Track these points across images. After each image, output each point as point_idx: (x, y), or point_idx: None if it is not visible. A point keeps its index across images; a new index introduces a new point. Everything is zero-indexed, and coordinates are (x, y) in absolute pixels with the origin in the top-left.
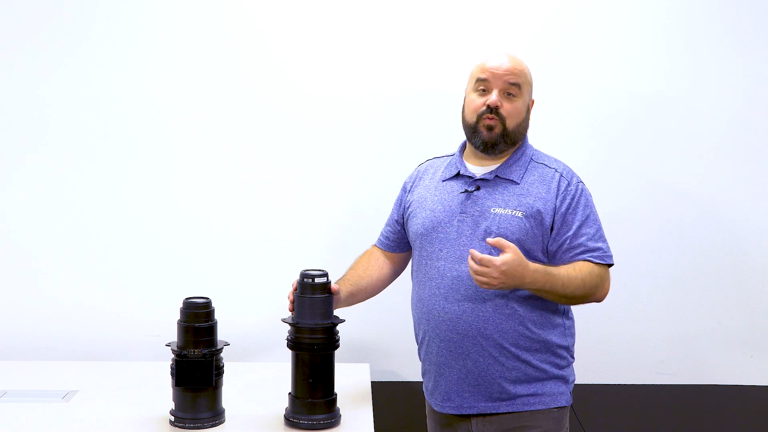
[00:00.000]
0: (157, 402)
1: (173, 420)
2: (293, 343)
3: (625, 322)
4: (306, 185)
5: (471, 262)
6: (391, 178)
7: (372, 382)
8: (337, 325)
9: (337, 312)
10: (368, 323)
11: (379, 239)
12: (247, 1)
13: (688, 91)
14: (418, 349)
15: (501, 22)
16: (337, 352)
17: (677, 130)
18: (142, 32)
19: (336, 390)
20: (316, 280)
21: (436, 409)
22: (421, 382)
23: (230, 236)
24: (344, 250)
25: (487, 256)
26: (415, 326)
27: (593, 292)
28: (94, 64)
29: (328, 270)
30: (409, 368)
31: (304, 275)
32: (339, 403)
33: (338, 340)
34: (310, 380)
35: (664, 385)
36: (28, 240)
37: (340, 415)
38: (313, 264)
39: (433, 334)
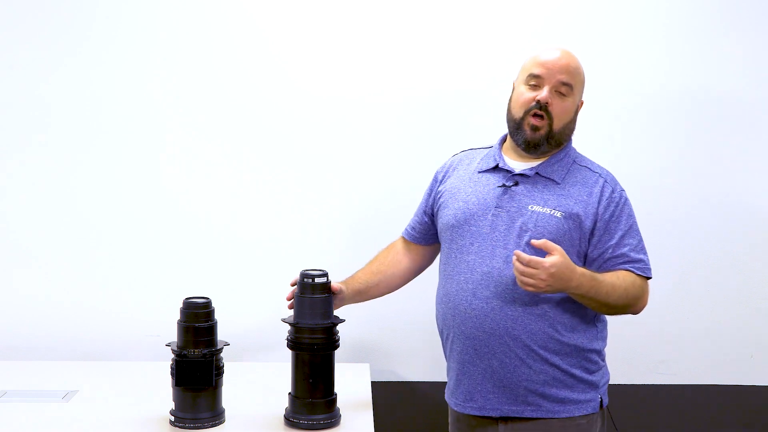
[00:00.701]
0: (157, 402)
1: (173, 420)
2: (293, 343)
3: (625, 322)
4: (306, 185)
5: (517, 264)
6: (391, 177)
7: (372, 382)
8: (337, 325)
9: (337, 312)
10: (368, 323)
11: (405, 229)
12: (247, 1)
13: (698, 87)
14: (443, 346)
15: (501, 20)
16: (337, 352)
17: (675, 129)
18: (142, 32)
19: (336, 390)
20: (316, 280)
21: (456, 409)
22: (422, 382)
23: (230, 236)
24: (344, 250)
25: (535, 258)
26: (438, 322)
27: (634, 303)
28: (94, 64)
29: (328, 270)
30: (409, 368)
31: (304, 275)
32: (339, 403)
33: (338, 340)
34: (310, 380)
35: (664, 385)
36: (28, 240)
37: (340, 415)
38: (313, 264)
39: (458, 331)
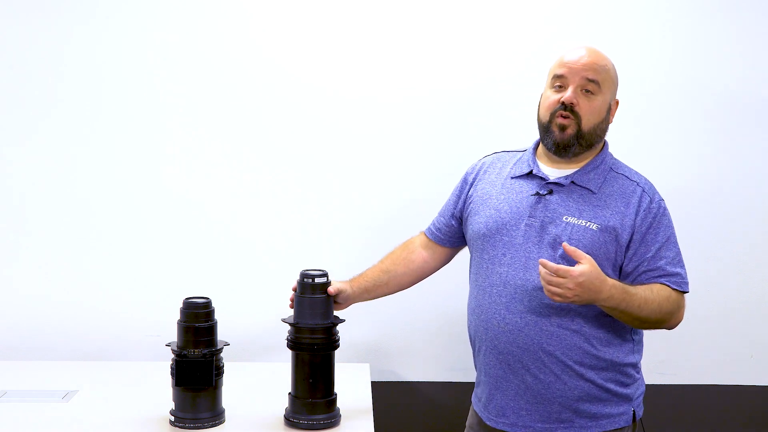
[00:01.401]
0: (157, 402)
1: (173, 420)
2: (293, 343)
3: None
4: (306, 185)
5: (543, 272)
6: (392, 177)
7: (372, 382)
8: (337, 325)
9: (338, 312)
10: (368, 323)
11: (429, 227)
12: (248, 1)
13: (700, 87)
14: (474, 358)
15: (507, 21)
16: (337, 352)
17: (675, 129)
18: (142, 32)
19: (336, 390)
20: (316, 280)
21: (488, 423)
22: (422, 382)
23: (230, 236)
24: (345, 250)
25: (563, 267)
26: (470, 333)
27: (668, 319)
28: (93, 65)
29: (328, 270)
30: (409, 368)
31: (304, 275)
32: (339, 403)
33: (338, 340)
34: (310, 380)
35: (664, 385)
36: (28, 240)
37: (340, 415)
38: (313, 264)
39: (491, 345)
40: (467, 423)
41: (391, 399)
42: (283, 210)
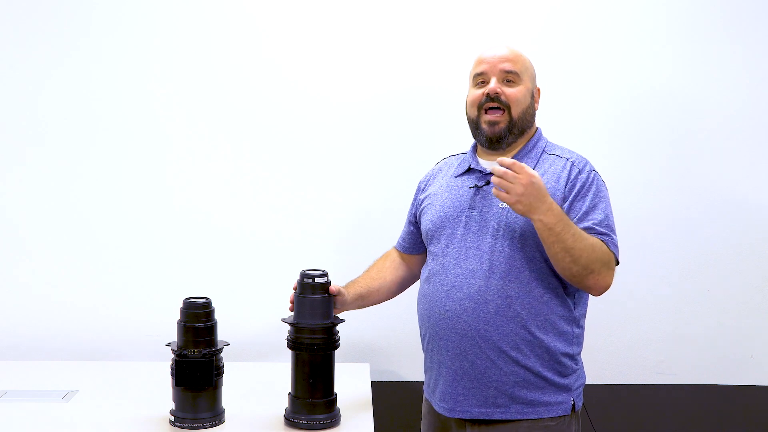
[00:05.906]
0: (157, 402)
1: (173, 420)
2: (293, 343)
3: (625, 322)
4: (306, 185)
5: (497, 168)
6: (391, 178)
7: (372, 382)
8: (337, 325)
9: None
10: (368, 323)
11: (397, 241)
12: (248, 3)
13: (698, 88)
14: (422, 345)
15: (504, 19)
16: (337, 352)
17: (682, 128)
18: (141, 32)
19: (336, 390)
20: (316, 280)
21: (435, 409)
22: (422, 382)
23: (230, 236)
24: (345, 250)
25: (520, 164)
26: (419, 323)
27: (597, 268)
28: (93, 65)
29: (328, 270)
30: (409, 368)
31: (304, 275)
32: (339, 403)
33: (338, 340)
34: (310, 380)
35: (664, 385)
36: (28, 240)
37: (340, 415)
38: (313, 264)
39: (433, 332)
40: (422, 413)
41: (391, 399)
42: (283, 210)
